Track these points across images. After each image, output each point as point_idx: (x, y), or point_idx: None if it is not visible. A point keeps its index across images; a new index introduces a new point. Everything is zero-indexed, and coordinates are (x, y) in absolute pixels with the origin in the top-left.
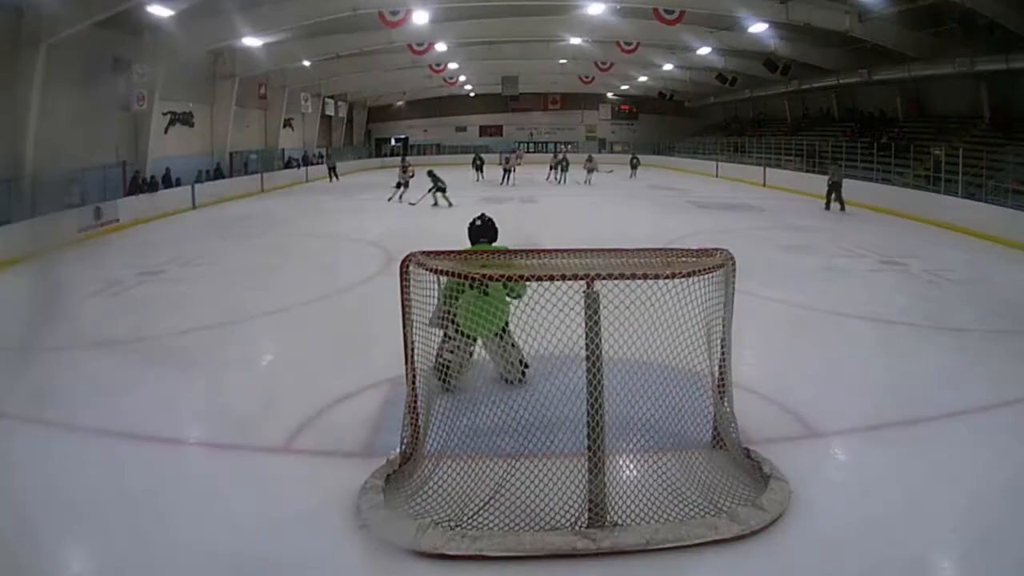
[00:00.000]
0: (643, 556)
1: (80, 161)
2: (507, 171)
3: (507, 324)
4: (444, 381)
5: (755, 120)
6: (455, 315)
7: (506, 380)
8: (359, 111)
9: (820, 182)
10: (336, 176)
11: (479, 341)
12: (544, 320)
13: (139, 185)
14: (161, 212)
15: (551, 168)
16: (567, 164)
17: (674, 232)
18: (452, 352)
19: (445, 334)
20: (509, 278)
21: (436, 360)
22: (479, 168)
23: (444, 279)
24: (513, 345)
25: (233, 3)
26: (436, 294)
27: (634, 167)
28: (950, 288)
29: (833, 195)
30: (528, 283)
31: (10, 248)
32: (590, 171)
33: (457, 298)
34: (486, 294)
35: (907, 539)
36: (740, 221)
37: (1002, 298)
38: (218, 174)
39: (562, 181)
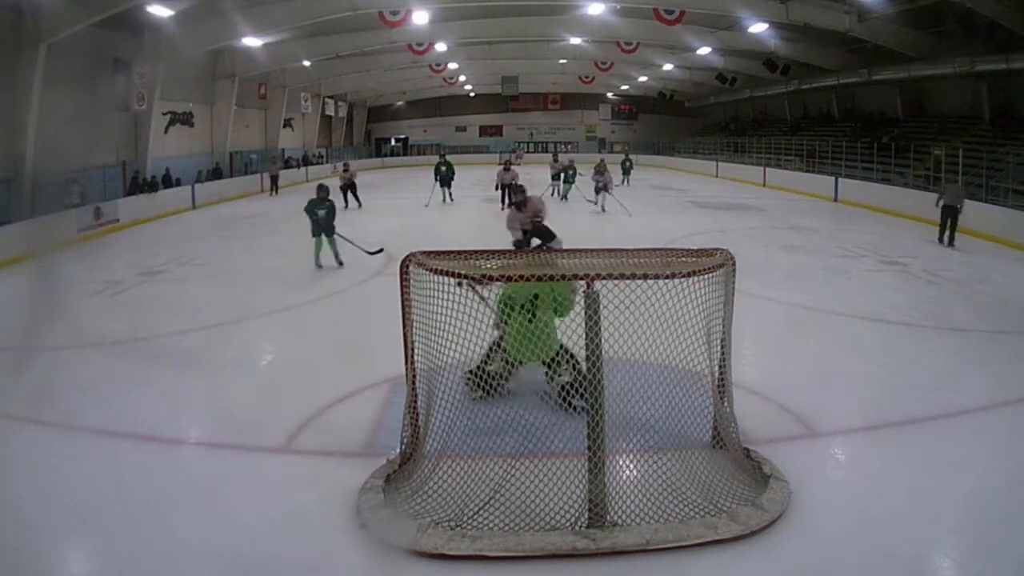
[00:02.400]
0: (643, 556)
1: (81, 160)
2: (506, 187)
3: (560, 350)
4: (485, 391)
5: (755, 120)
6: (505, 338)
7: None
8: (359, 111)
9: (820, 182)
10: (276, 189)
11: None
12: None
13: (139, 185)
14: (161, 212)
15: (553, 179)
16: (574, 173)
17: (674, 232)
18: (503, 363)
19: (497, 344)
20: (509, 278)
21: (480, 367)
22: (444, 181)
23: (494, 298)
24: (561, 375)
25: (233, 3)
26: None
27: (626, 171)
28: (950, 288)
29: (948, 222)
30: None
31: (10, 248)
32: (599, 190)
33: (506, 321)
34: (532, 317)
35: (907, 539)
36: (740, 221)
37: (1002, 298)
38: (216, 174)
39: (561, 194)
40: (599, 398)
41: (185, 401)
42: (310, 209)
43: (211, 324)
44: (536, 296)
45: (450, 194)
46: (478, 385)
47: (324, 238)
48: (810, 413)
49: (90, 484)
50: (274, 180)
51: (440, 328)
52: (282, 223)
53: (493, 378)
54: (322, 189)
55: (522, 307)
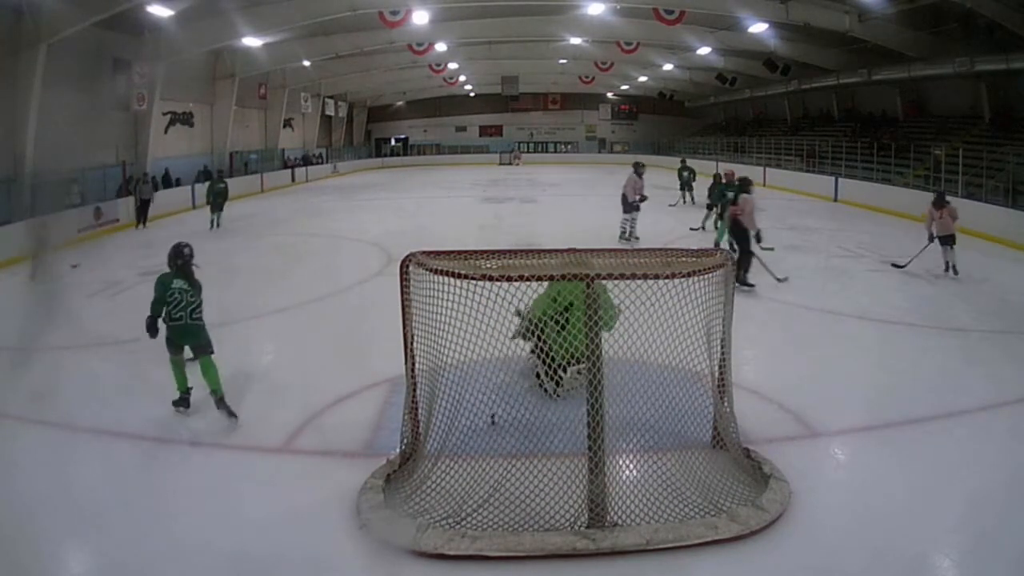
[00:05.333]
0: (643, 556)
1: (80, 161)
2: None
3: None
4: (554, 385)
5: (755, 120)
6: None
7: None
8: (359, 111)
9: (820, 182)
10: (145, 221)
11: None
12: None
13: (129, 190)
14: (161, 212)
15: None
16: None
17: (674, 232)
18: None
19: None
20: (509, 279)
21: (539, 372)
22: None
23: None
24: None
25: (233, 3)
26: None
27: (689, 187)
28: (950, 288)
29: None
30: (528, 283)
31: (10, 248)
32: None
33: (542, 331)
34: (564, 327)
35: (906, 538)
36: None
37: (1002, 298)
38: (206, 176)
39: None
40: (599, 398)
41: None
42: (161, 289)
43: (211, 324)
44: (570, 305)
45: (218, 219)
46: (548, 382)
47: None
48: (810, 413)
49: (90, 484)
50: (142, 208)
51: (440, 328)
52: (282, 223)
53: (555, 373)
54: (178, 255)
55: (555, 320)
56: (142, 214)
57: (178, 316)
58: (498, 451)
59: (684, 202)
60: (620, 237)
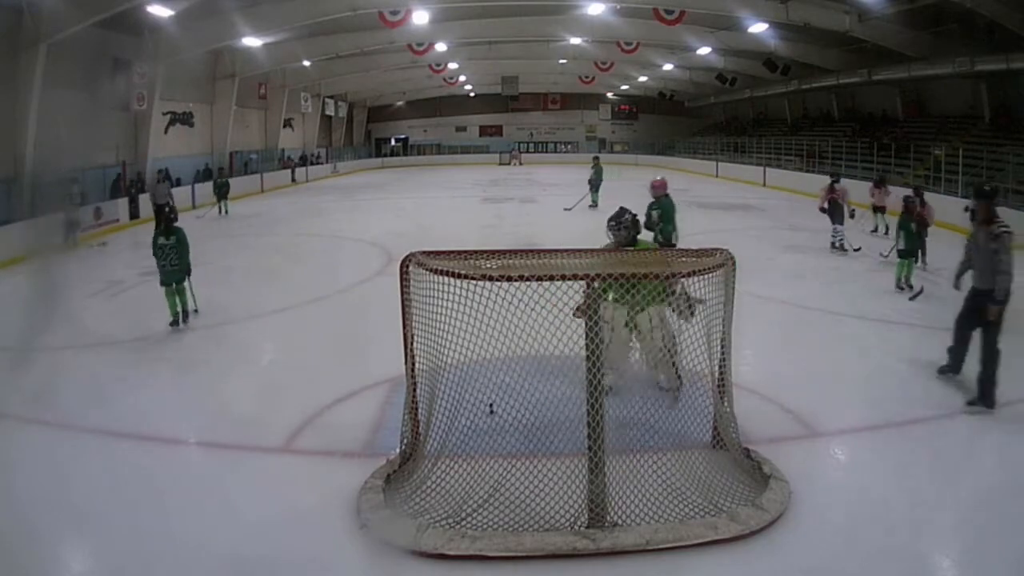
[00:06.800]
0: (643, 556)
1: (80, 161)
2: None
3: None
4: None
5: (755, 120)
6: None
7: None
8: (359, 111)
9: (820, 182)
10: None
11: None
12: (544, 320)
13: (126, 189)
14: None
15: None
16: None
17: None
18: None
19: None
20: (509, 278)
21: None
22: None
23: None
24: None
25: (233, 3)
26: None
27: (595, 187)
28: (950, 288)
29: None
30: (528, 283)
31: (10, 248)
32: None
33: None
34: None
35: (907, 539)
36: (740, 221)
37: None
38: (207, 176)
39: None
40: (599, 398)
41: (185, 401)
42: (153, 247)
43: (211, 324)
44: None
45: (225, 207)
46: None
47: (175, 285)
48: (810, 413)
49: (90, 484)
50: (159, 214)
51: (440, 328)
52: (282, 223)
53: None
54: (161, 213)
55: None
56: (160, 219)
57: (163, 264)
58: (498, 451)
59: (591, 204)
60: (841, 249)
